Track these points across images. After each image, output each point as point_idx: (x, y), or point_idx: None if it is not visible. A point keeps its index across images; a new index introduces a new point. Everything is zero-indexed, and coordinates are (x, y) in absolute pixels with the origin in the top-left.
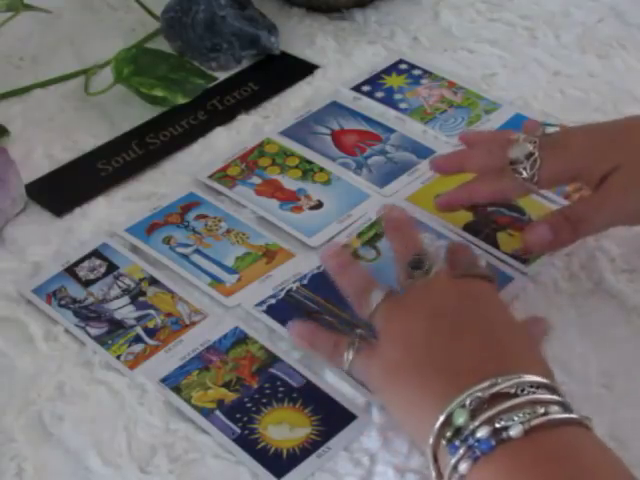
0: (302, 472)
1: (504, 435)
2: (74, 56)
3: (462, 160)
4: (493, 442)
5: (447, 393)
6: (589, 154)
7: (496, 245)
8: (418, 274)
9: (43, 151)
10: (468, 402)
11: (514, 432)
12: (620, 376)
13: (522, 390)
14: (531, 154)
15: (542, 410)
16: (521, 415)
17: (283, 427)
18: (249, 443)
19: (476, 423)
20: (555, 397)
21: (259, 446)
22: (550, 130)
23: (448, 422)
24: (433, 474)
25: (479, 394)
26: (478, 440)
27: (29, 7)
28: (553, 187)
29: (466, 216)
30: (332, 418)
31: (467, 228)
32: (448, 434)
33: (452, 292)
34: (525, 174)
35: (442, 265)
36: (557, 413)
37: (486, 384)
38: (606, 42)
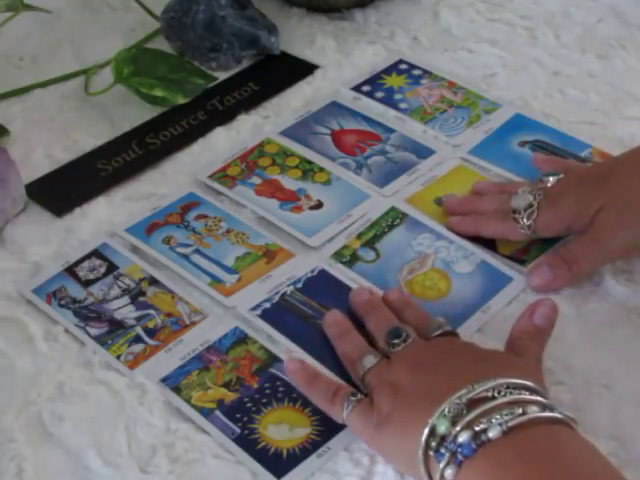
0: (302, 472)
1: (483, 438)
2: (74, 56)
3: (473, 204)
4: (474, 445)
5: (430, 411)
6: (578, 203)
7: (494, 248)
8: (398, 342)
9: (43, 151)
10: (447, 410)
11: (492, 434)
12: (620, 376)
13: (499, 392)
14: (530, 205)
15: (520, 410)
16: (499, 417)
17: (283, 427)
18: (249, 443)
19: (457, 428)
20: (535, 397)
21: (259, 446)
22: (554, 179)
23: (433, 433)
24: None
25: (457, 401)
26: (460, 445)
27: (29, 7)
28: (551, 235)
29: None
30: (332, 418)
31: None
32: (434, 444)
33: (429, 348)
34: (522, 223)
35: (414, 334)
36: (536, 412)
37: (463, 391)
38: (606, 42)
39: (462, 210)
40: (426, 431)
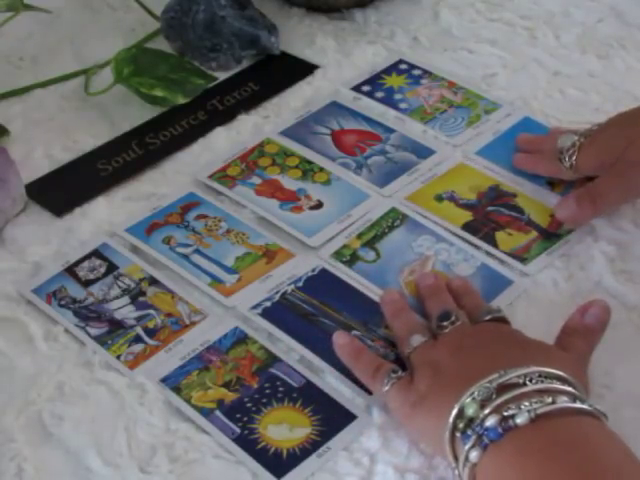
0: (302, 472)
1: (511, 423)
2: (74, 56)
3: (538, 143)
4: (500, 430)
5: (459, 392)
6: (610, 141)
7: (495, 244)
8: (447, 324)
9: (43, 151)
10: (477, 393)
11: (520, 420)
12: (620, 376)
13: (530, 380)
14: (573, 145)
15: (550, 399)
16: (528, 404)
17: (283, 427)
18: (249, 443)
19: (485, 412)
20: (566, 387)
21: (259, 446)
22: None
23: (460, 415)
24: (454, 472)
25: (487, 385)
26: (487, 429)
27: (29, 7)
28: (589, 173)
29: (465, 215)
30: (332, 418)
31: (466, 227)
32: (461, 425)
33: (474, 332)
34: (565, 162)
35: (465, 318)
36: (565, 402)
37: (494, 375)
38: (606, 42)
39: (529, 147)
40: (454, 412)
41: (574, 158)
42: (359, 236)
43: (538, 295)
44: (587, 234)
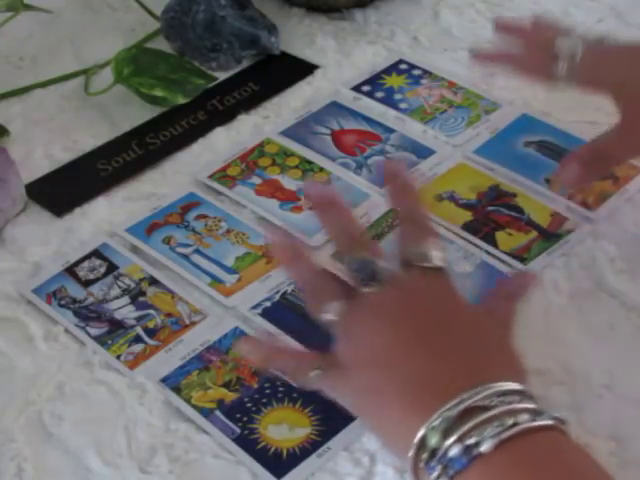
0: (302, 472)
1: (475, 452)
2: (74, 56)
3: (506, 58)
4: (465, 460)
5: (417, 416)
6: (623, 73)
7: (495, 244)
8: (370, 283)
9: (43, 151)
10: (438, 423)
11: (484, 447)
12: (620, 376)
13: (491, 401)
14: (575, 52)
15: (511, 421)
16: (490, 429)
17: (283, 427)
18: (249, 443)
19: (448, 442)
20: (524, 405)
21: (259, 446)
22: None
23: (423, 444)
24: None
25: (447, 413)
26: (451, 459)
27: (29, 7)
28: (581, 90)
29: (465, 215)
30: (332, 418)
31: (466, 227)
32: (424, 456)
33: (408, 301)
34: (562, 69)
35: (391, 268)
36: (527, 422)
37: (454, 402)
38: None
39: (508, 35)
40: (416, 442)
41: (573, 67)
42: None
43: (538, 295)
44: (587, 234)
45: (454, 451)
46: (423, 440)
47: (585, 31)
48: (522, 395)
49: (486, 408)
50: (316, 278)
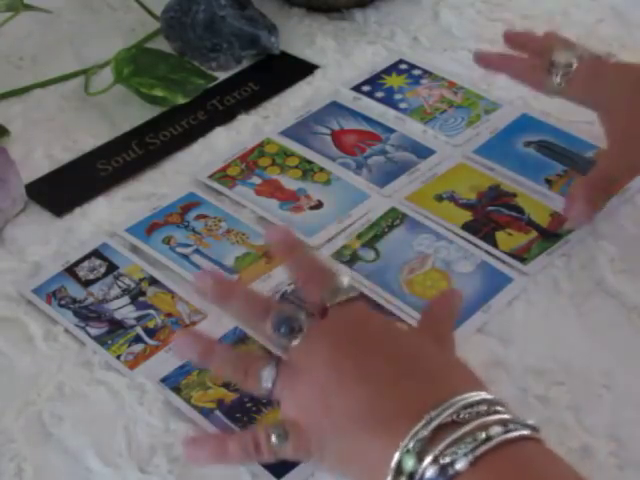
0: (302, 472)
1: (451, 471)
2: (74, 56)
3: (506, 62)
4: None
5: (388, 442)
6: (615, 95)
7: (495, 244)
8: (295, 336)
9: (43, 151)
10: (412, 446)
11: (460, 466)
12: (620, 376)
13: (459, 415)
14: (570, 65)
15: (484, 435)
16: (463, 446)
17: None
18: None
19: (424, 465)
20: (495, 417)
21: None
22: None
23: (399, 471)
24: None
25: (420, 434)
26: None
27: (29, 7)
28: (577, 102)
29: (465, 215)
30: None
31: (466, 227)
32: None
33: (336, 338)
34: (555, 79)
35: (305, 315)
36: (500, 435)
37: (423, 422)
38: (606, 42)
39: (515, 43)
40: (392, 467)
41: (566, 78)
42: (359, 236)
43: (538, 295)
44: (587, 234)
45: (430, 472)
46: (399, 465)
47: (587, 34)
48: (489, 403)
49: (457, 423)
50: (236, 357)
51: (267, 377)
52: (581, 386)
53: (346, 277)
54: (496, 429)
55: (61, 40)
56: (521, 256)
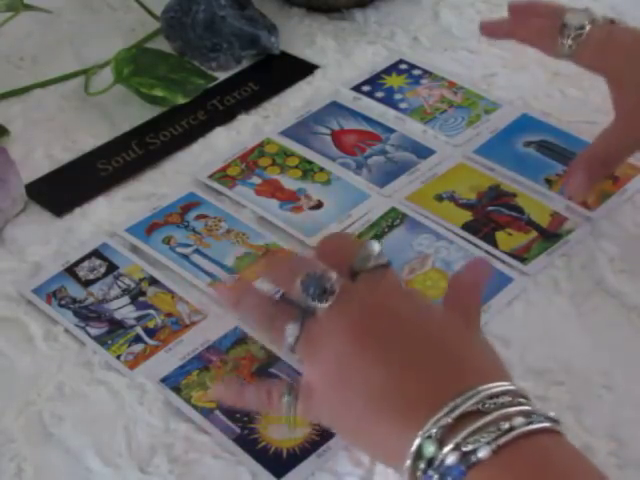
0: (302, 472)
1: (473, 459)
2: (74, 56)
3: (514, 25)
4: (463, 467)
5: (410, 427)
6: (627, 63)
7: (495, 244)
8: (323, 296)
9: (43, 151)
10: (434, 432)
11: (482, 454)
12: (620, 376)
13: (484, 405)
14: (582, 27)
15: (507, 425)
16: (486, 435)
17: (283, 427)
18: (249, 443)
19: (444, 451)
20: (519, 408)
21: (259, 446)
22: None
23: (419, 455)
24: None
25: (442, 421)
26: (449, 467)
27: (29, 7)
28: (582, 67)
29: (465, 215)
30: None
31: (466, 227)
32: (421, 466)
33: (366, 307)
34: (566, 42)
35: (338, 277)
36: (523, 425)
37: (447, 409)
38: None
39: (501, 31)
40: (412, 452)
41: (578, 41)
42: (359, 236)
43: (538, 295)
44: (587, 234)
45: (451, 459)
46: (419, 450)
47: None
48: (513, 394)
49: (480, 413)
50: (267, 304)
51: (291, 332)
52: (581, 386)
53: (377, 244)
54: (519, 420)
55: (61, 40)
56: (521, 256)
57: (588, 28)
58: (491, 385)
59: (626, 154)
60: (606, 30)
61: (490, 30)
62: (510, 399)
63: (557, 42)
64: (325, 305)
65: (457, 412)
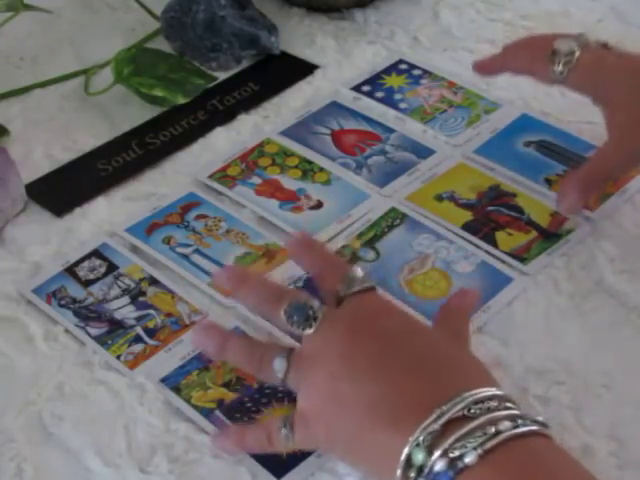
0: (302, 472)
1: (460, 464)
2: (74, 56)
3: (506, 58)
4: (451, 473)
5: (397, 436)
6: (616, 84)
7: (495, 244)
8: (307, 323)
9: (43, 151)
10: (422, 439)
11: (469, 459)
12: (620, 376)
13: (469, 410)
14: (572, 52)
15: (493, 430)
16: (473, 440)
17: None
18: None
19: (433, 458)
20: (505, 412)
21: None
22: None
23: (409, 464)
24: None
25: (430, 429)
26: (437, 474)
27: (29, 7)
28: (574, 91)
29: (465, 215)
30: None
31: (466, 227)
32: (412, 475)
33: (350, 326)
34: (557, 68)
35: (319, 303)
36: (509, 429)
37: (434, 416)
38: None
39: (493, 67)
40: (402, 461)
41: (569, 66)
42: (359, 236)
43: (538, 295)
44: (587, 234)
45: (439, 465)
46: (409, 458)
47: (587, 32)
48: (499, 399)
49: (467, 418)
50: (250, 347)
51: (279, 367)
52: (581, 386)
53: (359, 269)
54: (505, 424)
55: (61, 40)
56: (521, 256)
57: (577, 53)
58: (477, 391)
59: (621, 171)
60: (597, 54)
61: (483, 67)
62: (496, 404)
63: (549, 69)
64: (310, 331)
65: (444, 418)
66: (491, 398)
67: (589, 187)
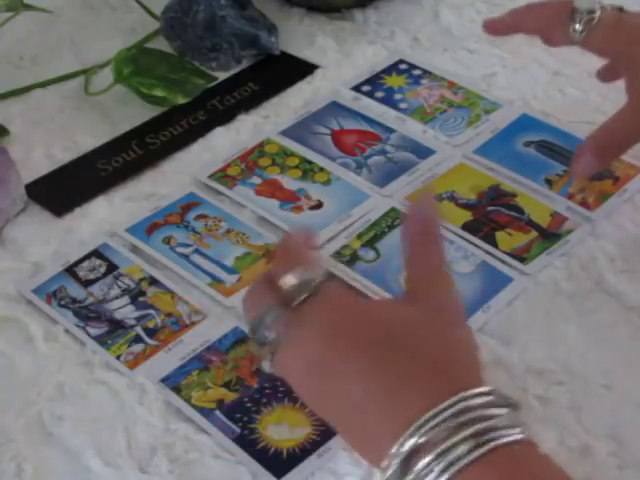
0: (302, 472)
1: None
2: (74, 56)
3: (520, 17)
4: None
5: (371, 459)
6: (638, 41)
7: (495, 244)
8: (267, 339)
9: (43, 151)
10: (393, 469)
11: (450, 473)
12: (620, 376)
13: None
14: (592, 11)
15: (474, 443)
16: (463, 447)
17: (283, 427)
18: (249, 443)
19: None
20: (488, 423)
21: (259, 446)
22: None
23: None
24: None
25: (398, 458)
26: None
27: (29, 7)
28: (593, 52)
29: (465, 215)
30: None
31: (466, 227)
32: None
33: (320, 330)
34: (578, 26)
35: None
36: (495, 440)
37: (417, 424)
38: None
39: (505, 27)
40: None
41: (588, 26)
42: (359, 236)
43: (538, 295)
44: (587, 234)
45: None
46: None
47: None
48: (482, 407)
49: (430, 443)
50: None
51: (267, 370)
52: (581, 386)
53: (315, 269)
54: (490, 434)
55: (61, 40)
56: (521, 256)
57: (599, 13)
58: (444, 405)
59: (638, 137)
60: (616, 14)
61: (493, 27)
62: (479, 399)
63: (567, 28)
64: (275, 337)
65: (431, 424)
66: (474, 408)
67: (605, 150)
